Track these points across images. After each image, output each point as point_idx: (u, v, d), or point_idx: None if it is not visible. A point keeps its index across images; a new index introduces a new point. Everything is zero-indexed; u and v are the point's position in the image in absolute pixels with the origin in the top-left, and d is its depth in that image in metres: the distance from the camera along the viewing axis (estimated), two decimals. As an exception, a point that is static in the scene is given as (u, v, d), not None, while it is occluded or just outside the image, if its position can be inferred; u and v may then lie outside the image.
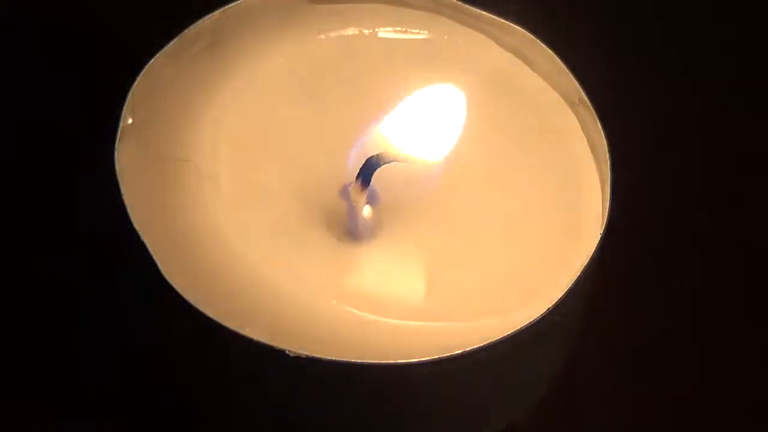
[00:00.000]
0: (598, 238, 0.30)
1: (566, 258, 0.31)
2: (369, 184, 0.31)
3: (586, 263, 0.30)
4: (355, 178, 0.31)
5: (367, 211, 0.32)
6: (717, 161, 0.47)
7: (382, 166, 0.31)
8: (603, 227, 0.31)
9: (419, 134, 0.32)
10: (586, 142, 0.34)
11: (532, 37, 0.35)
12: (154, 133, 0.33)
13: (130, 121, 0.32)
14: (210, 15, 0.34)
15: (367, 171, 0.31)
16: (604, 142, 0.33)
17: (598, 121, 0.33)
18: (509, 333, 0.28)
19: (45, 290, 0.40)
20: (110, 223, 0.30)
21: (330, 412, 0.31)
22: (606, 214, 0.31)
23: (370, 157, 0.31)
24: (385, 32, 0.36)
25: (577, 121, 0.35)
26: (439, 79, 0.34)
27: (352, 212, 0.32)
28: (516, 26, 0.35)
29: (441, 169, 0.32)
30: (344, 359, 0.28)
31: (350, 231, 0.32)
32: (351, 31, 0.36)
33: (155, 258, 0.29)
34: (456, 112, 0.32)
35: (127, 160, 0.31)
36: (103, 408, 0.38)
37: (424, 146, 0.32)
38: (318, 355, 0.28)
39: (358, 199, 0.32)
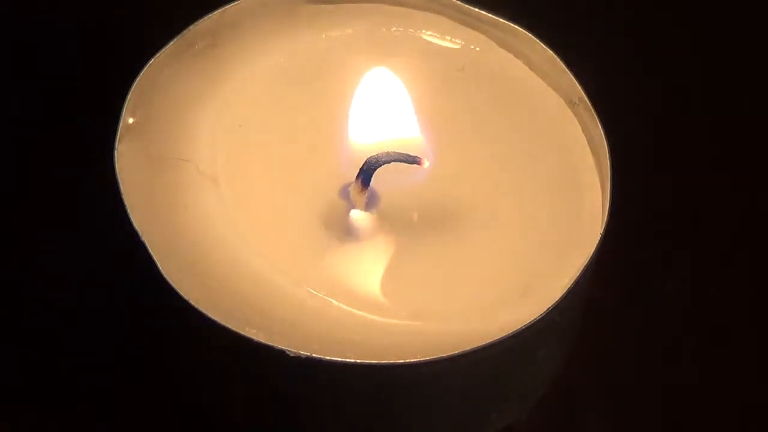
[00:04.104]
0: (598, 238, 0.30)
1: (566, 258, 0.31)
2: (369, 184, 0.31)
3: (586, 263, 0.30)
4: (354, 178, 0.31)
5: (362, 214, 0.32)
6: (717, 161, 0.47)
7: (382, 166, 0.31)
8: (603, 227, 0.31)
9: (387, 119, 0.32)
10: (586, 142, 0.34)
11: (532, 37, 0.35)
12: (154, 133, 0.33)
13: (130, 121, 0.32)
14: (210, 15, 0.34)
15: (367, 171, 0.31)
16: (604, 142, 0.33)
17: (598, 121, 0.33)
18: (509, 333, 0.28)
19: (45, 290, 0.40)
20: (110, 223, 0.30)
21: (329, 412, 0.31)
22: (606, 214, 0.31)
23: (370, 157, 0.31)
24: (385, 32, 0.36)
25: (577, 121, 0.35)
26: (440, 80, 0.34)
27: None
28: (516, 26, 0.35)
29: (430, 146, 0.33)
30: (344, 359, 0.28)
31: (350, 231, 0.32)
32: (351, 31, 0.36)
33: (155, 258, 0.29)
34: (396, 90, 0.33)
35: (127, 160, 0.31)
36: (103, 408, 0.38)
37: (399, 127, 0.32)
38: (318, 355, 0.28)
39: (357, 199, 0.32)
